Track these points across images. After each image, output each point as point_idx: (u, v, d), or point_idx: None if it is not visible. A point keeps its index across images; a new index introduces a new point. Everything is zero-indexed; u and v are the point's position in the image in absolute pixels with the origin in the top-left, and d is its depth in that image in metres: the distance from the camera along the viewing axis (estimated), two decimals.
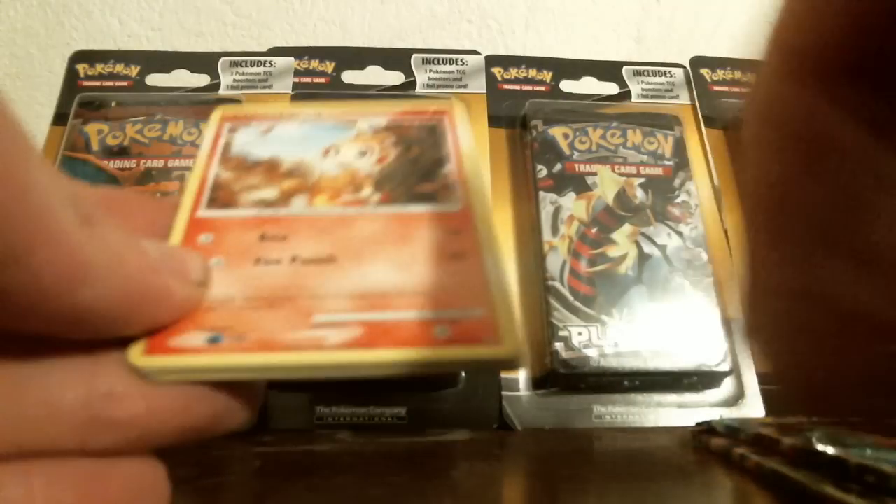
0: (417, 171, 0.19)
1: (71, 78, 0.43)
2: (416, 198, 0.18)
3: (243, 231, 0.17)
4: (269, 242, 0.16)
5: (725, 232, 0.39)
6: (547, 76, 0.45)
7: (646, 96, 0.44)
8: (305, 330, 0.14)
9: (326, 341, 0.14)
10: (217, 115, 0.21)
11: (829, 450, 0.22)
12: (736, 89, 0.45)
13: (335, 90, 0.43)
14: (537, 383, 0.35)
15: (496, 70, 0.45)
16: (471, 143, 0.20)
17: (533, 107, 0.42)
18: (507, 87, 0.44)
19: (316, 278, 0.15)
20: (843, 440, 0.22)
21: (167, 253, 0.14)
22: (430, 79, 0.44)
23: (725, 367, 0.34)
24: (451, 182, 0.18)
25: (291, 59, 0.44)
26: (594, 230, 0.38)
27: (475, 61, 0.45)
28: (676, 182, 0.40)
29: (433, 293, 0.15)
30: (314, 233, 0.17)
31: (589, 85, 0.45)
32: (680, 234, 0.38)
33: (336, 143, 0.20)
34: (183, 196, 0.18)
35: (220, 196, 0.18)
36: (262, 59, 0.44)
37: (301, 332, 0.14)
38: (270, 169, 0.19)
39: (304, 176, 0.19)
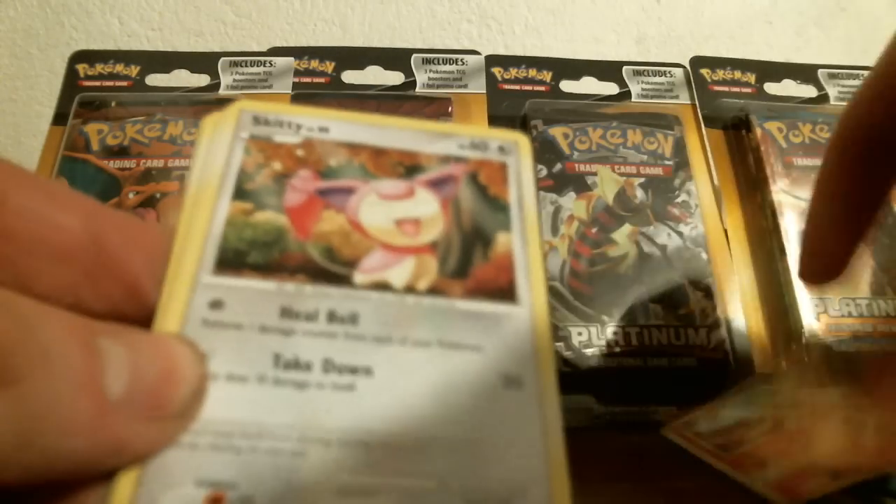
0: (479, 241, 0.15)
1: (71, 78, 0.43)
2: (472, 288, 0.14)
3: (262, 311, 0.13)
4: (291, 339, 0.13)
5: (725, 232, 0.39)
6: (547, 76, 0.45)
7: (646, 96, 0.44)
8: (328, 498, 0.11)
9: None
10: (231, 114, 0.16)
11: None
12: (736, 89, 0.45)
13: (335, 90, 0.43)
14: None
15: (496, 70, 0.45)
16: (535, 204, 0.16)
17: (533, 107, 0.42)
18: (507, 86, 0.44)
19: (343, 410, 0.12)
20: None
21: (134, 383, 0.11)
22: (430, 79, 0.44)
23: (726, 367, 0.34)
24: (513, 266, 0.15)
25: (291, 59, 0.44)
26: (594, 230, 0.38)
27: (475, 61, 0.45)
28: (676, 182, 0.40)
29: (480, 454, 0.12)
30: (342, 332, 0.13)
31: (589, 85, 0.45)
32: (680, 234, 0.38)
33: (390, 189, 0.16)
34: (178, 242, 0.13)
35: (236, 253, 0.14)
36: (262, 59, 0.44)
37: (323, 501, 0.11)
38: (303, 213, 0.15)
39: (344, 233, 0.14)
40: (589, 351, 0.34)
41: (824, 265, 0.23)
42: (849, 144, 0.21)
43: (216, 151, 0.15)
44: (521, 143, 0.17)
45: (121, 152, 0.39)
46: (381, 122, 0.17)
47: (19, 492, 0.10)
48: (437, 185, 0.16)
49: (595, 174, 0.39)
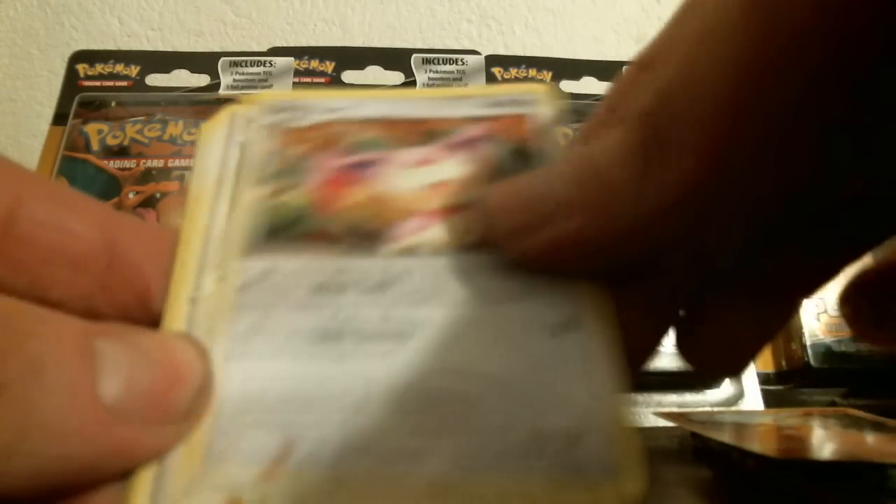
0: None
1: (71, 78, 0.43)
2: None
3: (293, 290, 0.13)
4: (327, 313, 0.13)
5: None
6: (547, 76, 0.45)
7: None
8: (382, 462, 0.11)
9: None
10: (224, 118, 0.16)
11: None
12: None
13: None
14: None
15: (496, 70, 0.45)
16: (558, 144, 0.16)
17: None
18: None
19: (385, 375, 0.12)
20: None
21: (132, 386, 0.11)
22: (430, 78, 0.44)
23: None
24: None
25: (291, 58, 0.44)
26: None
27: (475, 61, 0.45)
28: None
29: (531, 402, 0.12)
30: (385, 297, 0.13)
31: (589, 85, 0.45)
32: None
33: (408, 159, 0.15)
34: (180, 248, 0.13)
35: (267, 230, 0.14)
36: (262, 58, 0.44)
37: (377, 467, 0.11)
38: (326, 190, 0.14)
39: (371, 204, 0.14)
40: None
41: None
42: None
43: (211, 155, 0.15)
44: (541, 94, 0.17)
45: (121, 152, 0.39)
46: (397, 94, 0.17)
47: (19, 498, 0.10)
48: (461, 146, 0.15)
49: None
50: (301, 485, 0.11)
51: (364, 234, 0.14)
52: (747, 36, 0.11)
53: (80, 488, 0.10)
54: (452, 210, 0.14)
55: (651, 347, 0.15)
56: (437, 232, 0.14)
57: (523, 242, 0.13)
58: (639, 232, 0.12)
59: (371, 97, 0.16)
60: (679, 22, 0.14)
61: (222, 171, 0.15)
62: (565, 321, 0.13)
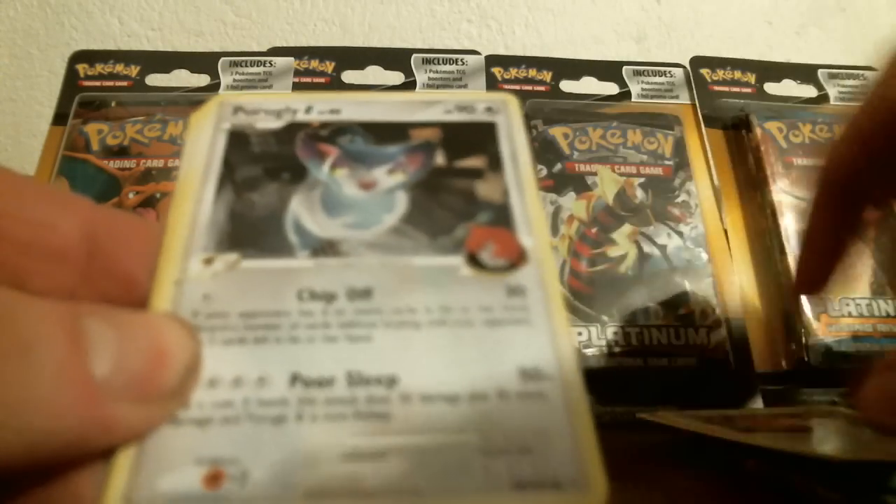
0: (472, 203, 0.15)
1: (71, 78, 0.43)
2: (471, 248, 0.14)
3: (250, 300, 0.13)
4: (282, 321, 0.13)
5: (725, 232, 0.39)
6: (547, 76, 0.45)
7: (646, 96, 0.44)
8: (335, 463, 0.11)
9: (362, 484, 0.10)
10: (211, 108, 0.16)
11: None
12: (736, 89, 0.45)
13: (335, 90, 0.43)
14: None
15: (496, 70, 0.45)
16: (529, 160, 0.16)
17: (533, 107, 0.42)
18: (507, 86, 0.44)
19: (344, 373, 0.12)
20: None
21: (121, 363, 0.11)
22: (429, 79, 0.44)
23: (726, 366, 0.34)
24: (513, 221, 0.14)
25: (291, 59, 0.44)
26: (594, 230, 0.38)
27: (475, 61, 0.45)
28: (676, 182, 0.40)
29: (496, 405, 0.11)
30: (346, 304, 0.13)
31: (589, 85, 0.45)
32: (680, 234, 0.38)
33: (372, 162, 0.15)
34: (167, 233, 0.14)
35: (222, 238, 0.14)
36: (262, 59, 0.44)
37: (330, 468, 0.11)
38: (286, 197, 0.15)
39: (334, 205, 0.14)
40: (589, 351, 0.34)
41: (810, 281, 0.28)
42: (826, 189, 0.26)
43: (199, 142, 0.15)
44: (509, 102, 0.17)
45: (121, 152, 0.39)
46: (364, 97, 0.17)
47: (10, 473, 0.10)
48: (418, 152, 0.16)
49: (595, 174, 0.39)
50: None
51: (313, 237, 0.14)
52: None
53: (66, 466, 0.11)
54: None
55: None
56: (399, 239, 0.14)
57: None
58: None
59: (342, 99, 0.17)
60: None
61: (209, 158, 0.15)
62: (535, 368, 0.12)
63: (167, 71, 0.44)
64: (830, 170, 0.26)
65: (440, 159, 0.16)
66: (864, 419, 0.20)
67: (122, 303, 0.13)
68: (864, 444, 0.22)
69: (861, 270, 0.37)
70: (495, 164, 0.16)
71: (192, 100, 0.42)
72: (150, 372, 0.11)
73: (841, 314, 0.36)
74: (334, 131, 0.16)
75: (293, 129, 0.16)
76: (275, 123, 0.16)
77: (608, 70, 0.45)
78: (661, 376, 0.34)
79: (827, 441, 0.24)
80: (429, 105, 0.17)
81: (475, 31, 0.61)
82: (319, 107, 0.16)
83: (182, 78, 0.43)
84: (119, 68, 0.43)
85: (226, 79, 0.43)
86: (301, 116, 0.16)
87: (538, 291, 0.13)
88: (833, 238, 0.27)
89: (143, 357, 0.11)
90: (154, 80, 0.43)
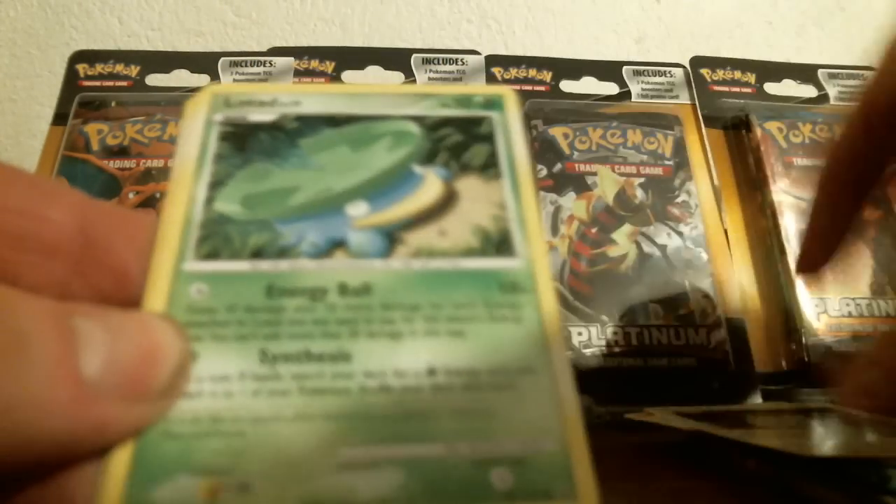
0: (467, 202, 0.14)
1: (71, 78, 0.43)
2: (466, 247, 0.14)
3: (246, 293, 0.13)
4: (277, 319, 0.12)
5: (725, 232, 0.39)
6: (547, 76, 0.45)
7: (646, 96, 0.44)
8: (330, 473, 0.11)
9: (358, 493, 0.10)
10: (204, 99, 0.16)
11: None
12: (736, 89, 0.45)
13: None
14: None
15: (496, 70, 0.45)
16: (526, 156, 0.15)
17: (533, 107, 0.42)
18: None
19: (339, 385, 0.12)
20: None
21: (112, 362, 0.11)
22: (429, 79, 0.44)
23: (726, 366, 0.34)
24: (509, 221, 0.14)
25: (291, 59, 0.44)
26: (594, 230, 0.38)
27: (475, 61, 0.45)
28: (676, 182, 0.40)
29: (488, 411, 0.11)
30: (337, 300, 0.13)
31: (589, 85, 0.45)
32: (680, 234, 0.38)
33: (367, 155, 0.15)
34: (160, 230, 0.13)
35: (216, 236, 0.14)
36: (262, 59, 0.44)
37: (325, 479, 0.11)
38: (285, 188, 0.14)
39: (325, 202, 0.14)
40: (589, 351, 0.34)
41: (810, 260, 0.29)
42: (836, 163, 0.27)
43: (191, 136, 0.15)
44: (506, 96, 0.16)
45: (121, 152, 0.39)
46: (358, 90, 0.16)
47: (1, 474, 0.10)
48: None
49: (595, 174, 0.39)
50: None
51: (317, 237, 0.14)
52: None
53: (58, 466, 0.10)
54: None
55: None
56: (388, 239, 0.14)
57: None
58: None
59: (335, 93, 0.16)
60: None
61: (202, 151, 0.15)
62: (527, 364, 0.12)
63: (167, 71, 0.44)
64: (841, 143, 0.26)
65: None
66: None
67: (115, 297, 0.13)
68: (853, 442, 0.22)
69: (860, 258, 0.37)
70: (491, 162, 0.15)
71: None
72: (140, 371, 0.11)
73: (841, 314, 0.36)
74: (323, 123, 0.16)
75: (285, 121, 0.16)
76: (268, 116, 0.16)
77: (608, 70, 0.45)
78: (661, 376, 0.34)
79: (815, 438, 0.24)
80: (424, 98, 0.16)
81: (475, 31, 0.61)
82: (311, 100, 0.16)
83: (182, 78, 0.43)
84: (119, 68, 0.43)
85: (226, 79, 0.43)
86: (292, 109, 0.16)
87: (532, 300, 0.13)
88: (838, 215, 0.27)
89: (133, 357, 0.11)
90: (154, 80, 0.43)
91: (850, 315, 0.36)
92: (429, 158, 0.15)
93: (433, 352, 0.12)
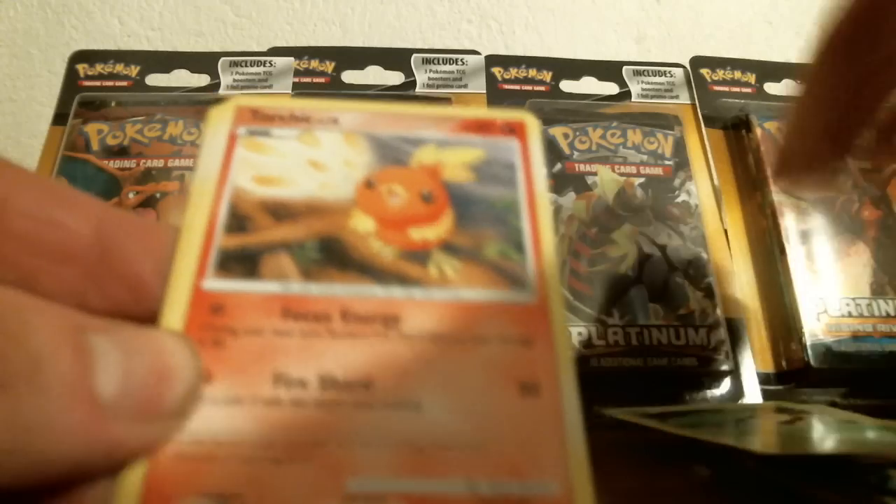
0: (484, 230, 0.14)
1: (71, 78, 0.43)
2: (479, 278, 0.13)
3: (261, 318, 0.12)
4: (292, 344, 0.12)
5: (725, 232, 0.39)
6: (547, 76, 0.45)
7: (646, 96, 0.44)
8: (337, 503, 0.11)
9: None
10: (228, 110, 0.15)
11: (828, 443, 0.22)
12: (736, 89, 0.45)
13: (335, 90, 0.43)
14: None
15: (496, 70, 0.45)
16: (545, 185, 0.15)
17: (533, 107, 0.42)
18: (507, 86, 0.44)
19: (349, 415, 0.12)
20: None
21: (126, 383, 0.11)
22: (429, 79, 0.44)
23: (726, 366, 0.34)
24: (524, 255, 0.14)
25: (291, 59, 0.44)
26: (594, 230, 0.38)
27: (475, 61, 0.45)
28: (676, 182, 0.40)
29: (496, 449, 0.11)
30: (350, 330, 0.12)
31: (589, 85, 0.45)
32: (680, 234, 0.38)
33: (387, 174, 0.15)
34: (180, 246, 0.13)
35: (237, 255, 0.13)
36: (262, 59, 0.44)
37: None
38: (308, 211, 0.14)
39: (344, 228, 0.14)
40: (589, 351, 0.34)
41: (791, 162, 0.24)
42: (831, 47, 0.21)
43: (214, 149, 0.15)
44: (528, 123, 0.16)
45: (121, 152, 0.39)
46: (382, 109, 0.16)
47: (12, 494, 0.10)
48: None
49: (595, 174, 0.39)
50: None
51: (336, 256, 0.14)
52: None
53: (70, 485, 0.10)
54: (426, 244, 0.14)
55: None
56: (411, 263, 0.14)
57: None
58: None
59: (360, 110, 0.16)
60: None
61: (224, 165, 0.15)
62: (533, 381, 0.12)
63: (167, 71, 0.44)
64: (839, 26, 0.21)
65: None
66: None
67: (131, 308, 0.13)
68: (863, 443, 0.22)
69: (861, 270, 0.37)
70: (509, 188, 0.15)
71: (192, 100, 0.42)
72: (154, 391, 0.11)
73: (841, 314, 0.36)
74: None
75: (312, 136, 0.15)
76: (290, 131, 0.15)
77: (608, 70, 0.45)
78: (661, 376, 0.34)
79: (750, 433, 0.24)
80: (447, 120, 0.16)
81: (475, 31, 0.61)
82: (340, 118, 0.16)
83: (182, 78, 0.43)
84: (119, 68, 0.43)
85: (226, 79, 0.43)
86: (315, 127, 0.16)
87: (545, 339, 0.13)
88: (828, 109, 0.22)
89: (147, 376, 0.11)
90: (154, 80, 0.43)
91: (850, 315, 0.36)
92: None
93: (446, 382, 0.12)
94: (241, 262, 0.13)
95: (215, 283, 0.13)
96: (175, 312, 0.12)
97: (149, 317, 0.13)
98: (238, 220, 0.14)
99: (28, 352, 0.10)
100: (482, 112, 0.16)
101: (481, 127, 0.16)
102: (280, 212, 0.14)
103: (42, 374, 0.10)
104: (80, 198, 0.13)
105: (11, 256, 0.12)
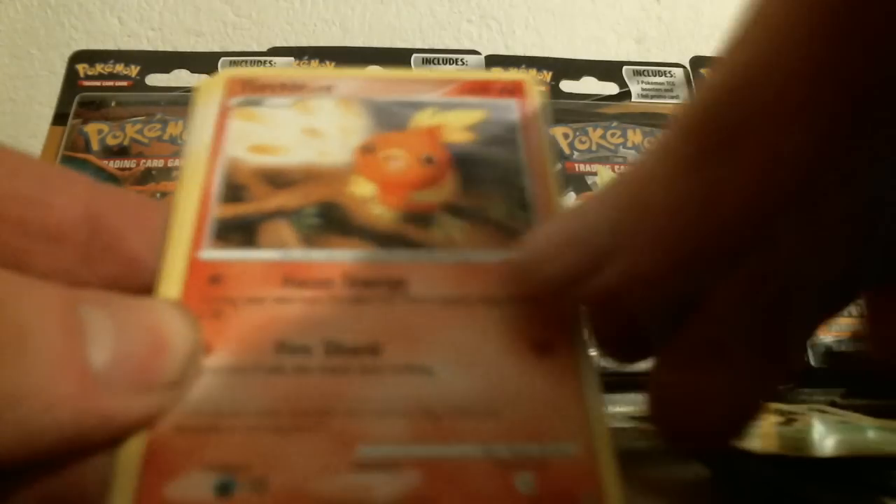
0: (488, 190, 0.14)
1: (71, 78, 0.43)
2: (485, 239, 0.13)
3: (261, 286, 0.12)
4: (294, 312, 0.12)
5: None
6: (547, 76, 0.45)
7: (646, 96, 0.44)
8: (347, 473, 0.10)
9: (375, 493, 0.10)
10: (219, 82, 0.15)
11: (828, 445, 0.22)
12: None
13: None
14: None
15: (496, 70, 0.45)
16: (548, 143, 0.15)
17: None
18: None
19: (357, 381, 0.11)
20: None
21: (120, 353, 0.10)
22: None
23: None
24: (531, 215, 0.14)
25: (291, 59, 0.44)
26: None
27: (475, 61, 0.45)
28: None
29: (512, 412, 0.11)
30: (354, 295, 0.12)
31: (589, 85, 0.45)
32: None
33: (386, 139, 0.14)
34: (174, 218, 0.13)
35: (233, 224, 0.13)
36: (262, 59, 0.44)
37: (342, 477, 0.10)
38: (305, 178, 0.14)
39: (343, 194, 0.14)
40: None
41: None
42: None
43: (206, 120, 0.15)
44: (526, 82, 0.16)
45: (121, 152, 0.39)
46: (378, 74, 0.16)
47: (7, 467, 0.10)
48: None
49: (595, 174, 0.39)
50: None
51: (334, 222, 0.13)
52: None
53: (68, 457, 0.10)
54: (429, 206, 0.14)
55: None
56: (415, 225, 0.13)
57: (580, 288, 0.12)
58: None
59: (353, 76, 0.16)
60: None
61: (216, 136, 0.14)
62: (543, 341, 0.12)
63: (167, 71, 0.44)
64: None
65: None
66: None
67: (126, 284, 0.12)
68: (864, 443, 0.22)
69: None
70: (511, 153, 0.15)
71: None
72: (149, 361, 0.11)
73: (841, 314, 0.36)
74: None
75: (302, 107, 0.15)
76: (284, 100, 0.15)
77: (608, 70, 0.45)
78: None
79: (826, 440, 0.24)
80: (445, 84, 0.16)
81: (475, 31, 0.61)
82: (316, 83, 0.15)
83: (182, 78, 0.43)
84: (119, 68, 0.43)
85: None
86: (308, 95, 0.15)
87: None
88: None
89: (142, 346, 0.11)
90: (154, 80, 0.43)
91: (850, 315, 0.36)
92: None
93: (459, 345, 0.12)
94: (239, 231, 0.13)
95: (213, 253, 0.13)
96: (171, 284, 0.12)
97: (144, 292, 0.12)
98: (234, 190, 0.14)
99: (14, 322, 0.10)
100: (480, 74, 0.16)
101: (480, 89, 0.15)
102: (277, 180, 0.14)
103: (29, 343, 0.09)
104: (70, 176, 0.12)
105: (1, 239, 0.11)
